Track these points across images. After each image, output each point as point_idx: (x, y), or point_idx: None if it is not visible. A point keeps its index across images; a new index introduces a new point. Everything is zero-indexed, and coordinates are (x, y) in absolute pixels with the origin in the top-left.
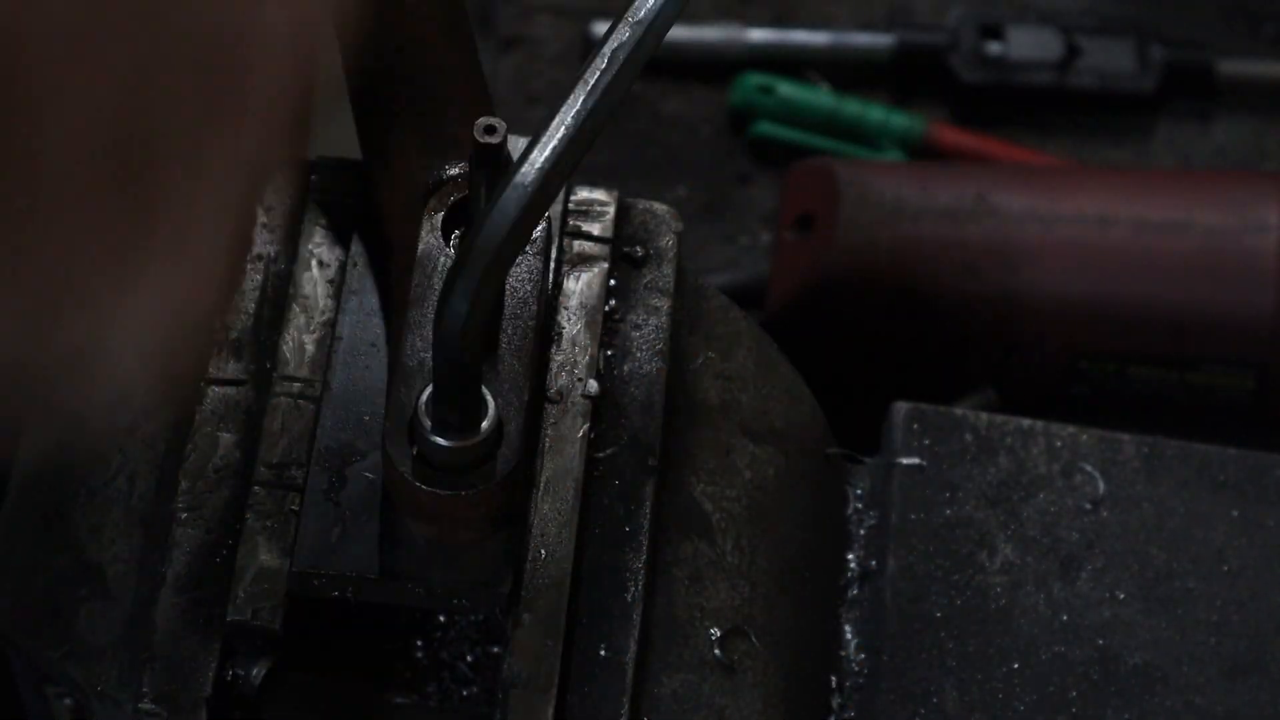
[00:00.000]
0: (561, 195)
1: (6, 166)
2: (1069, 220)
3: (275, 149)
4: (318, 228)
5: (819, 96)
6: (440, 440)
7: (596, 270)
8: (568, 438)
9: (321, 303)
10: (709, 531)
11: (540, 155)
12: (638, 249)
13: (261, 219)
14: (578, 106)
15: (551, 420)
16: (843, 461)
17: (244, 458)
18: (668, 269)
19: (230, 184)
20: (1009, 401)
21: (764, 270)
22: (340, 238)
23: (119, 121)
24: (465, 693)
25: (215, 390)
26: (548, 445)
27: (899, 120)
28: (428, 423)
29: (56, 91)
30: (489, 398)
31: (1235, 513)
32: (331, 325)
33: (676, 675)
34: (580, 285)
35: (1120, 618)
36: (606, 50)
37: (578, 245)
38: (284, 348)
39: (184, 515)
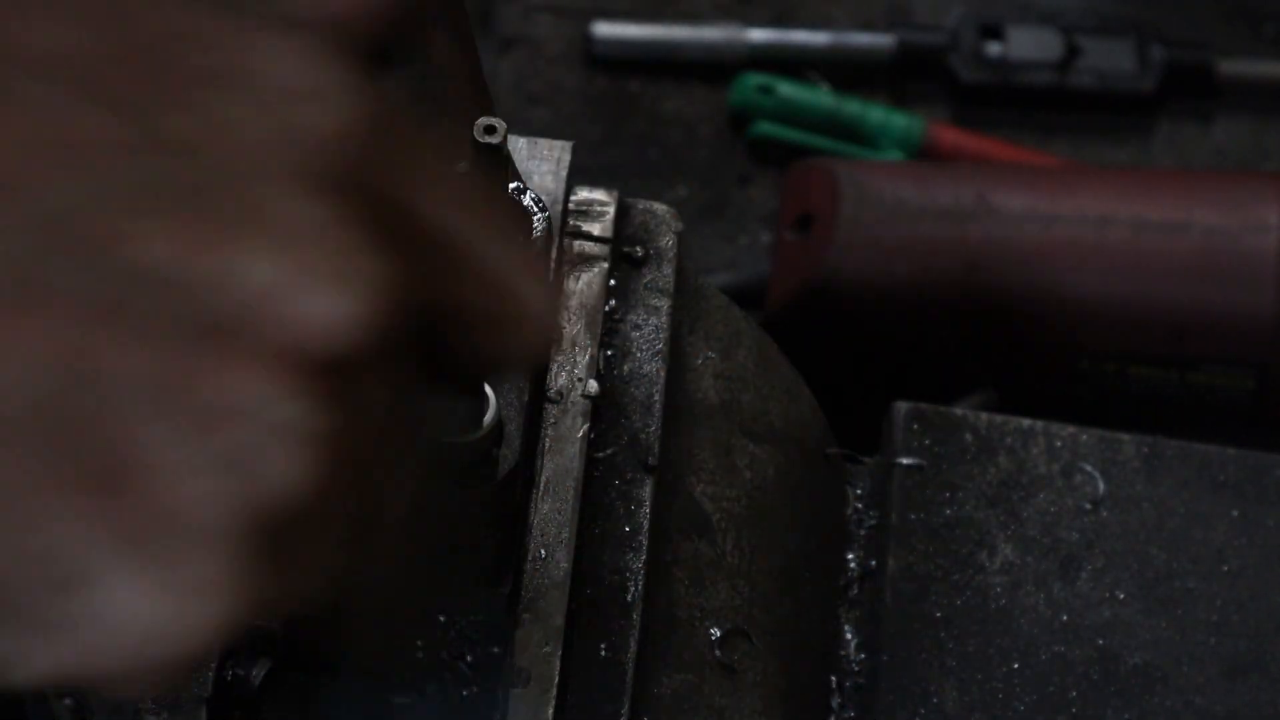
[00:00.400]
0: (561, 195)
1: None
2: (1069, 220)
3: None
4: None
5: (819, 96)
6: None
7: (596, 270)
8: (568, 438)
9: None
10: (709, 531)
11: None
12: (638, 249)
13: None
14: None
15: (551, 420)
16: (843, 461)
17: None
18: (668, 269)
19: None
20: (1009, 401)
21: (764, 270)
22: None
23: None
24: (465, 693)
25: None
26: (548, 445)
27: (899, 120)
28: None
29: None
30: (489, 393)
31: (1235, 513)
32: None
33: (676, 675)
34: (580, 285)
35: (1120, 618)
36: None
37: (577, 245)
38: None
39: None
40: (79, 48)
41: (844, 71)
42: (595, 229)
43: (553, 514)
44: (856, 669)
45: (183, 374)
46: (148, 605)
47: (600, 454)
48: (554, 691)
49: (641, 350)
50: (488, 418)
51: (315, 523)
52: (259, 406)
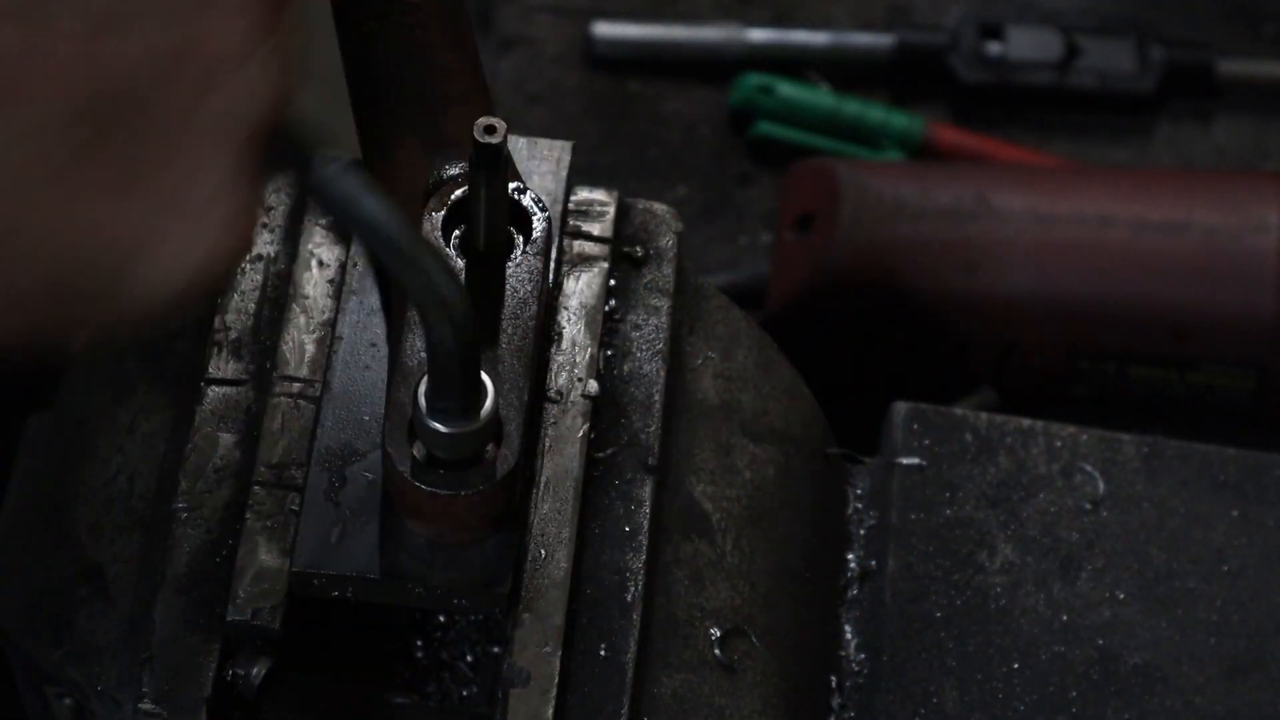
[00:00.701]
0: (562, 195)
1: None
2: (1069, 220)
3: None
4: (318, 228)
5: (819, 96)
6: (439, 427)
7: (596, 270)
8: (568, 438)
9: (321, 303)
10: (709, 531)
11: None
12: (638, 249)
13: (262, 219)
14: None
15: (551, 420)
16: (843, 461)
17: (244, 458)
18: (668, 269)
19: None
20: (1009, 401)
21: (764, 270)
22: (340, 238)
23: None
24: (465, 693)
25: (215, 390)
26: (548, 445)
27: (899, 120)
28: (424, 406)
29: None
30: (488, 383)
31: (1235, 513)
32: (331, 325)
33: (676, 675)
34: (580, 285)
35: (1120, 618)
36: None
37: (578, 245)
38: (284, 348)
39: (184, 515)
40: None
41: (844, 71)
42: (595, 229)
43: (553, 514)
44: (856, 669)
45: (179, 43)
46: (198, 250)
47: (600, 454)
48: (554, 691)
49: (641, 350)
50: (485, 409)
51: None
52: (240, 49)
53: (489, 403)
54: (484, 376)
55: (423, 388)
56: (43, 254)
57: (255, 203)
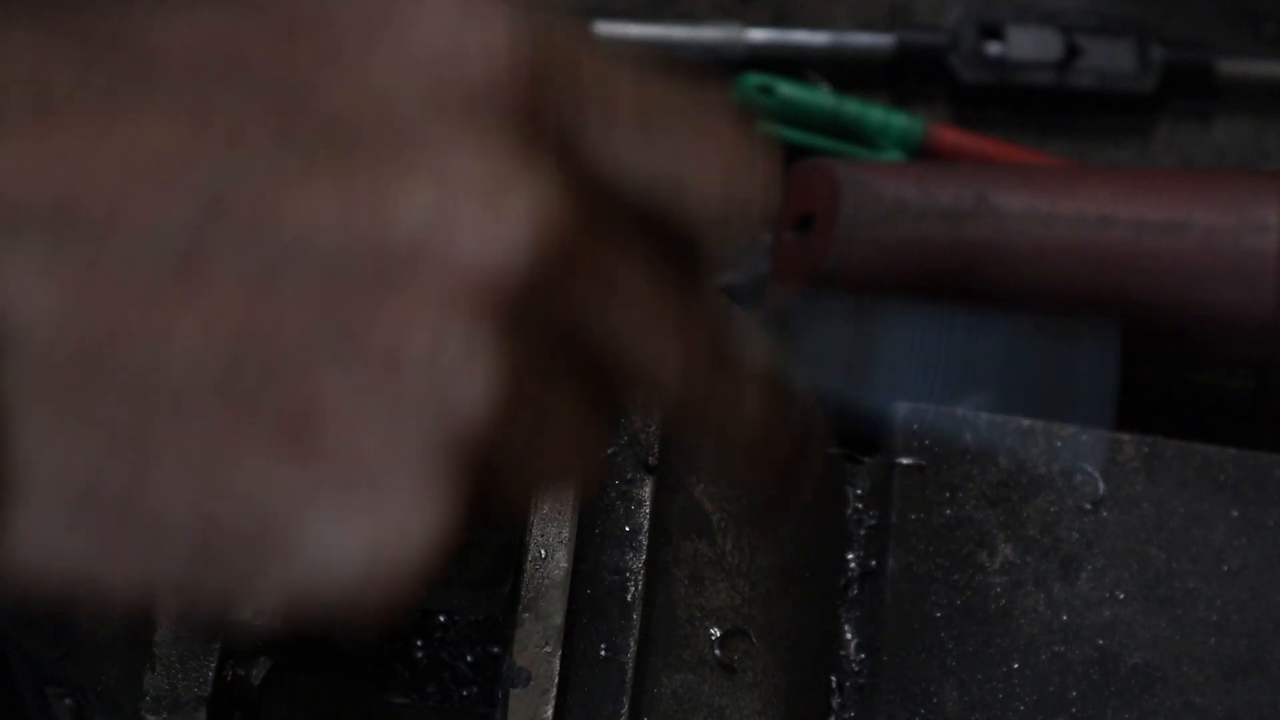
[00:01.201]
0: None
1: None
2: (1069, 220)
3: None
4: None
5: (819, 96)
6: None
7: None
8: None
9: None
10: (709, 531)
11: None
12: None
13: None
14: None
15: None
16: (843, 461)
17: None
18: None
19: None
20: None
21: (764, 270)
22: None
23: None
24: (465, 693)
25: None
26: None
27: (899, 120)
28: None
29: None
30: None
31: (1235, 513)
32: None
33: (676, 675)
34: None
35: (1120, 618)
36: None
37: None
38: None
39: None
40: (219, 36)
41: (844, 71)
42: None
43: (553, 514)
44: (856, 669)
45: (356, 322)
46: (360, 539)
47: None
48: (554, 691)
49: None
50: None
51: (504, 447)
52: (435, 344)
53: None
54: None
55: None
56: (179, 506)
57: (449, 519)
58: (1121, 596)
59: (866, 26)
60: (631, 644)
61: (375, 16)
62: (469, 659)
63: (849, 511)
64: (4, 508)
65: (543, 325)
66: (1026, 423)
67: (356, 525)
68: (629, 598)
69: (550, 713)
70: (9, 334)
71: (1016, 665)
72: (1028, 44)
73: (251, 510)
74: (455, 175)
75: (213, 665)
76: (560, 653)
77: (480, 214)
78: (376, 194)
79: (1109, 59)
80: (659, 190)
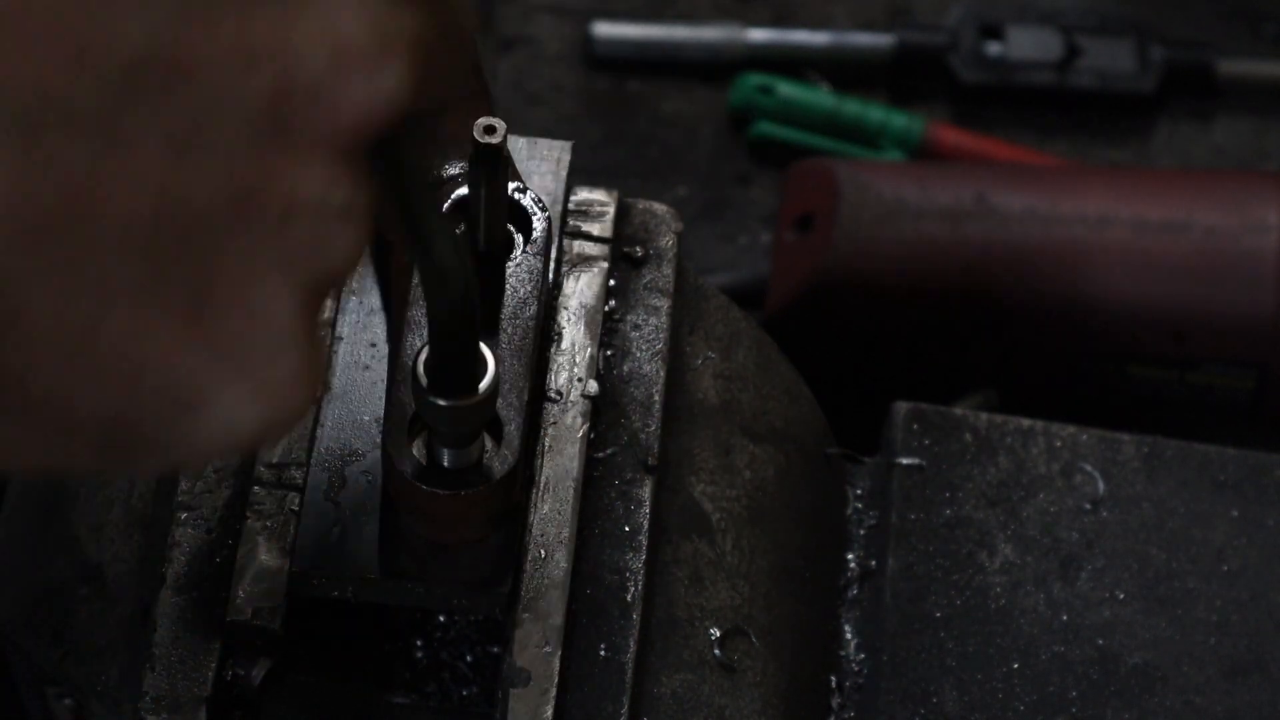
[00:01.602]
0: (561, 195)
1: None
2: (1069, 220)
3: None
4: None
5: (819, 96)
6: (439, 401)
7: (596, 270)
8: (567, 438)
9: None
10: (709, 531)
11: None
12: (638, 249)
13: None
14: None
15: (551, 420)
16: (843, 461)
17: (244, 458)
18: (668, 269)
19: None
20: (1009, 401)
21: (764, 270)
22: None
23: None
24: (465, 693)
25: None
26: (547, 445)
27: (899, 120)
28: (425, 380)
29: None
30: (488, 355)
31: (1235, 513)
32: (331, 325)
33: (676, 675)
34: (580, 285)
35: (1120, 618)
36: None
37: (577, 245)
38: None
39: (184, 515)
40: None
41: (844, 71)
42: (595, 229)
43: (553, 514)
44: (856, 669)
45: (257, 178)
46: (255, 410)
47: (600, 454)
48: (554, 691)
49: (641, 350)
50: (485, 381)
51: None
52: (322, 194)
53: (488, 378)
54: (484, 349)
55: (422, 359)
56: (104, 382)
57: (317, 368)
58: (1121, 596)
59: (866, 26)
60: (631, 644)
61: None
62: (469, 659)
63: (849, 511)
64: None
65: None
66: (1026, 423)
67: (252, 390)
68: (629, 598)
69: (550, 713)
70: None
71: (1016, 665)
72: (1028, 44)
73: (160, 389)
74: (345, 23)
75: (213, 665)
76: (560, 653)
77: (366, 63)
78: (277, 41)
79: (1109, 59)
80: None
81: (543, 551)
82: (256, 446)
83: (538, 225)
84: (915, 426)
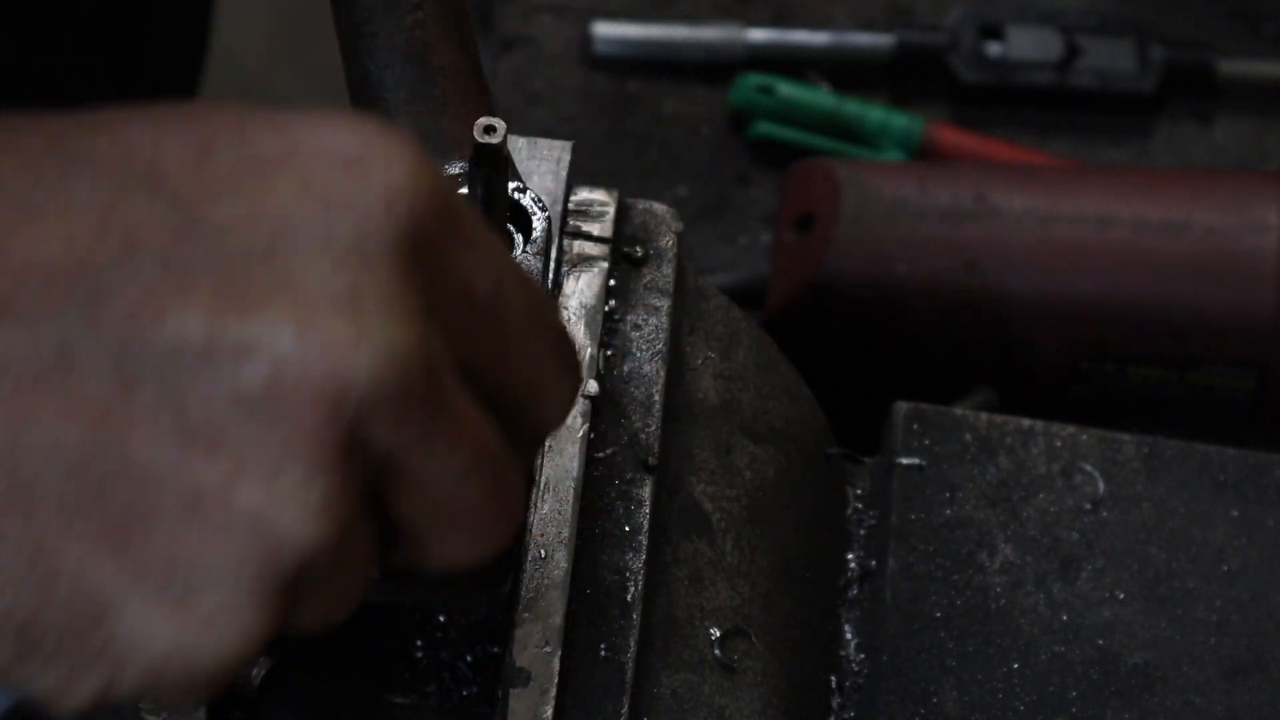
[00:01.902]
0: (561, 195)
1: None
2: (1069, 220)
3: None
4: None
5: (819, 96)
6: None
7: (596, 270)
8: (567, 438)
9: None
10: (709, 531)
11: None
12: (638, 249)
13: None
14: None
15: None
16: (843, 461)
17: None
18: (668, 269)
19: None
20: (1009, 401)
21: (764, 270)
22: None
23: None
24: (465, 693)
25: None
26: (548, 445)
27: (899, 120)
28: None
29: None
30: None
31: (1235, 513)
32: None
33: (676, 675)
34: (580, 285)
35: (1120, 618)
36: None
37: (577, 245)
38: None
39: None
40: (141, 147)
41: (844, 71)
42: (595, 229)
43: (553, 514)
44: (856, 669)
45: (199, 448)
46: (168, 632)
47: (600, 454)
48: (554, 691)
49: (641, 350)
50: None
51: (324, 571)
52: (269, 484)
53: None
54: None
55: None
56: (15, 582)
57: (266, 626)
58: (1121, 596)
59: (866, 26)
60: (631, 644)
61: (285, 147)
62: (469, 659)
63: (849, 511)
64: None
65: (373, 458)
66: (1026, 423)
67: (165, 620)
68: (629, 598)
69: (550, 713)
70: None
71: (1016, 665)
72: (1028, 44)
73: (73, 598)
74: (323, 310)
75: None
76: (560, 653)
77: (333, 353)
78: (244, 323)
79: (1109, 59)
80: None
81: (543, 551)
82: (191, 687)
83: (538, 225)
84: (915, 426)
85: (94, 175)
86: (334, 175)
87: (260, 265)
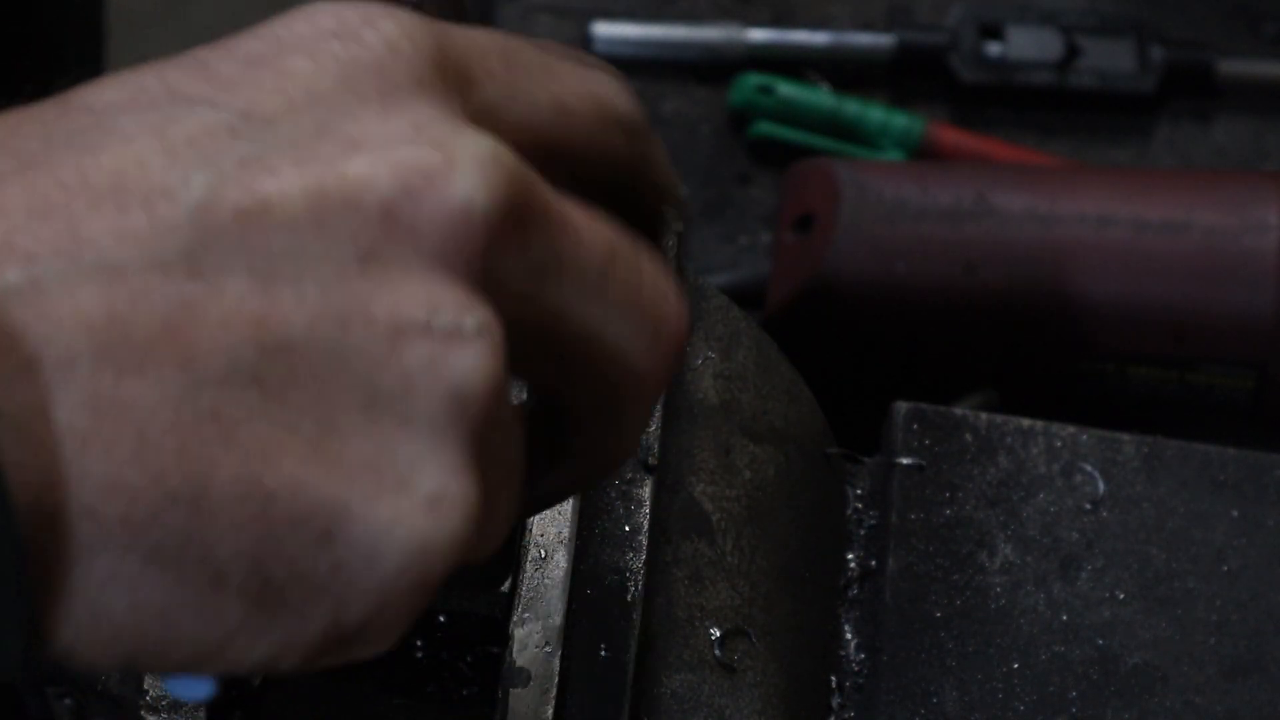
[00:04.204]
0: None
1: None
2: (1069, 220)
3: None
4: None
5: (819, 96)
6: None
7: None
8: None
9: None
10: (709, 531)
11: None
12: None
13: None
14: None
15: None
16: (843, 461)
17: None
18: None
19: None
20: (1009, 401)
21: (764, 270)
22: None
23: None
24: (465, 693)
25: None
26: None
27: (899, 120)
28: None
29: None
30: None
31: (1235, 513)
32: None
33: (676, 675)
34: None
35: (1120, 618)
36: None
37: None
38: None
39: None
40: (148, 84)
41: (844, 71)
42: None
43: (553, 514)
44: (856, 669)
45: (352, 304)
46: (402, 528)
47: None
48: (554, 691)
49: None
50: None
51: (504, 427)
52: (428, 311)
53: None
54: None
55: None
56: (234, 516)
57: (478, 498)
58: (1121, 596)
59: (866, 26)
60: (631, 644)
61: (271, 40)
62: (469, 659)
63: (849, 511)
64: (65, 565)
65: (516, 274)
66: (1026, 423)
67: (394, 515)
68: (629, 598)
69: (550, 713)
70: (62, 363)
71: (1016, 665)
72: (1028, 44)
73: (296, 519)
74: (400, 149)
75: None
76: (560, 653)
77: (430, 171)
78: (339, 179)
79: (1109, 59)
80: (556, 122)
81: (543, 551)
82: (442, 574)
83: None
84: (915, 426)
85: (127, 111)
86: (332, 44)
87: (318, 138)
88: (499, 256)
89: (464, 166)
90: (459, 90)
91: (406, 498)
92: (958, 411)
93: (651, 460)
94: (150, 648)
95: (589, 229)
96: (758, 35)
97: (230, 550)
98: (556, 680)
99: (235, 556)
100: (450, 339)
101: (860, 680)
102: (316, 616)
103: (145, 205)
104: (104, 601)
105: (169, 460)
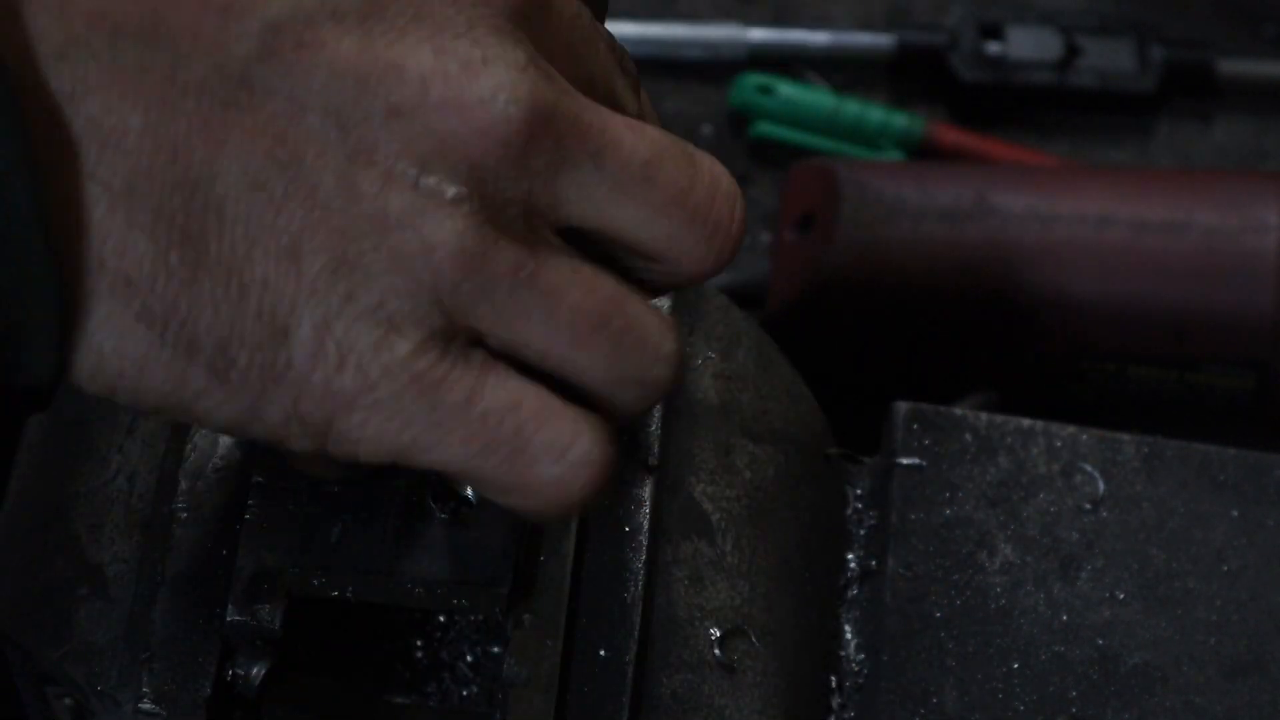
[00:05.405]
0: None
1: None
2: (1069, 220)
3: None
4: None
5: (819, 96)
6: None
7: None
8: None
9: None
10: (709, 531)
11: None
12: None
13: None
14: None
15: None
16: (843, 461)
17: (244, 458)
18: None
19: None
20: (1009, 401)
21: (764, 270)
22: None
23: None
24: (465, 693)
25: None
26: None
27: (899, 120)
28: None
29: None
30: None
31: (1235, 513)
32: None
33: (676, 675)
34: None
35: (1120, 618)
36: None
37: None
38: None
39: (184, 515)
40: None
41: (844, 71)
42: None
43: None
44: (856, 669)
45: (357, 160)
46: (338, 335)
47: None
48: (554, 691)
49: None
50: None
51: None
52: (414, 193)
53: None
54: None
55: None
56: (214, 298)
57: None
58: (1121, 596)
59: (866, 26)
60: (631, 644)
61: None
62: (469, 659)
63: (849, 511)
64: (79, 311)
65: (517, 189)
66: (1026, 423)
67: (343, 323)
68: (629, 598)
69: (550, 713)
70: (102, 140)
71: (1016, 665)
72: (1028, 44)
73: (262, 312)
74: (449, 36)
75: (213, 665)
76: (560, 653)
77: (466, 82)
78: (391, 45)
79: (1109, 59)
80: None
81: (543, 552)
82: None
83: None
84: (915, 426)
85: None
86: None
87: (396, 11)
88: (528, 154)
89: (496, 64)
90: (531, 31)
91: (352, 305)
92: (958, 411)
93: (651, 460)
94: (125, 386)
95: (631, 135)
96: (758, 35)
97: (204, 326)
98: (556, 680)
99: (207, 332)
100: (423, 207)
101: (860, 680)
102: (275, 400)
103: (223, 14)
104: (96, 339)
105: (175, 236)
